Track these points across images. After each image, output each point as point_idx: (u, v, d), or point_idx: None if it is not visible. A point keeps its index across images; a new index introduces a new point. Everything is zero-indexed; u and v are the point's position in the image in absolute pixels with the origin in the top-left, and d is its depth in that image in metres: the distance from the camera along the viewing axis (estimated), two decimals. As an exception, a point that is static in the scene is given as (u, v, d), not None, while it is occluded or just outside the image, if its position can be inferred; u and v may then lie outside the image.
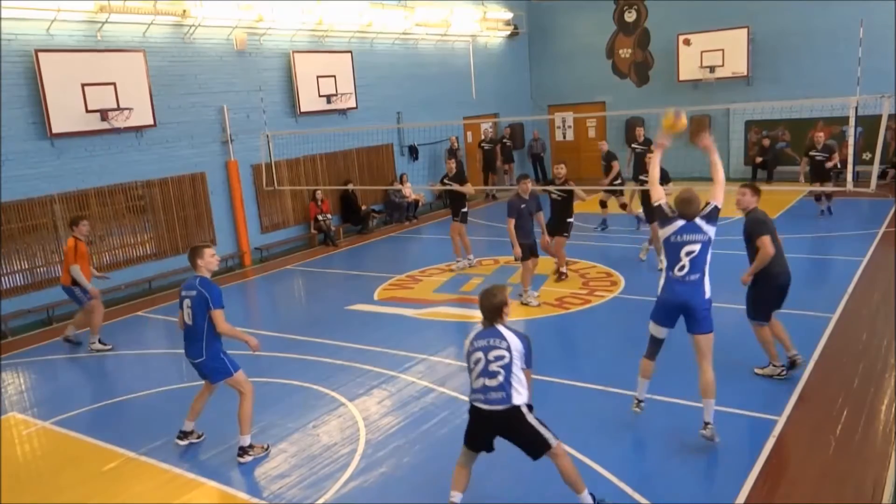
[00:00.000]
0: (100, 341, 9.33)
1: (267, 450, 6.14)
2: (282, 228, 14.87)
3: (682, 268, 5.65)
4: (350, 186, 15.90)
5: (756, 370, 6.99)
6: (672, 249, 5.70)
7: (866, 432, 5.75)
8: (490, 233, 14.81)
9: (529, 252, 9.71)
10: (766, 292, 6.83)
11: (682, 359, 7.57)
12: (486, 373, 4.61)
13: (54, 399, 7.87)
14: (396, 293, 10.85)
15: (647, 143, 14.96)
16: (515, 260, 10.00)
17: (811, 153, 14.06)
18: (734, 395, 6.58)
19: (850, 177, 9.80)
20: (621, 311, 9.37)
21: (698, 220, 5.61)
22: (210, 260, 5.97)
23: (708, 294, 5.67)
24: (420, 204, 17.22)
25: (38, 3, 10.56)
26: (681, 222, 5.64)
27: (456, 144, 18.34)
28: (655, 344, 6.03)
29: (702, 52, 19.18)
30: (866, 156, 16.21)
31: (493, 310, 4.71)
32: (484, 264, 12.19)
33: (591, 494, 4.81)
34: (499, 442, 4.73)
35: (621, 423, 6.32)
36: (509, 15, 21.16)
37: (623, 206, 14.08)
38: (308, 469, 5.83)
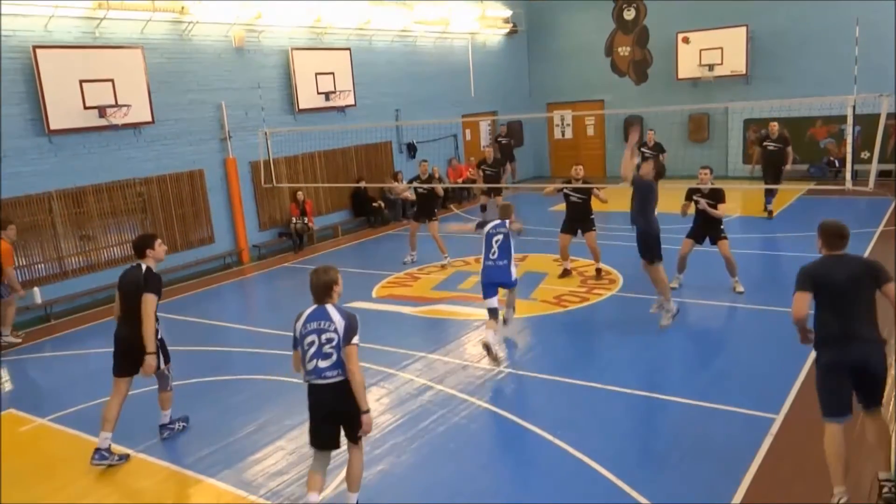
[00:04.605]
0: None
1: None
2: (280, 226, 14.84)
3: (496, 255, 8.10)
4: (363, 184, 16.01)
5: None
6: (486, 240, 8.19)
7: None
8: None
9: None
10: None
11: (682, 359, 7.60)
12: (320, 354, 4.75)
13: (52, 396, 7.86)
14: (395, 291, 10.84)
15: (659, 148, 15.44)
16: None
17: (764, 143, 14.19)
18: (732, 393, 6.60)
19: (848, 175, 9.81)
20: (619, 309, 9.37)
21: (509, 227, 8.18)
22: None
23: (514, 277, 8.25)
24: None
25: (36, 0, 10.53)
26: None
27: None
28: (493, 313, 8.03)
29: (700, 51, 19.18)
30: (864, 154, 16.21)
31: (323, 287, 4.84)
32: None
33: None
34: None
35: (620, 421, 6.33)
36: (508, 13, 21.14)
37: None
38: (306, 466, 5.79)
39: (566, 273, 10.92)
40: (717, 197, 9.37)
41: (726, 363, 7.50)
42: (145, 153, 12.31)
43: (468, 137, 20.40)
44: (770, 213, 14.22)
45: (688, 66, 19.52)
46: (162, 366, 6.37)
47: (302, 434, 6.38)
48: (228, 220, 13.80)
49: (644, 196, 8.24)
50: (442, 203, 18.26)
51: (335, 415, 4.83)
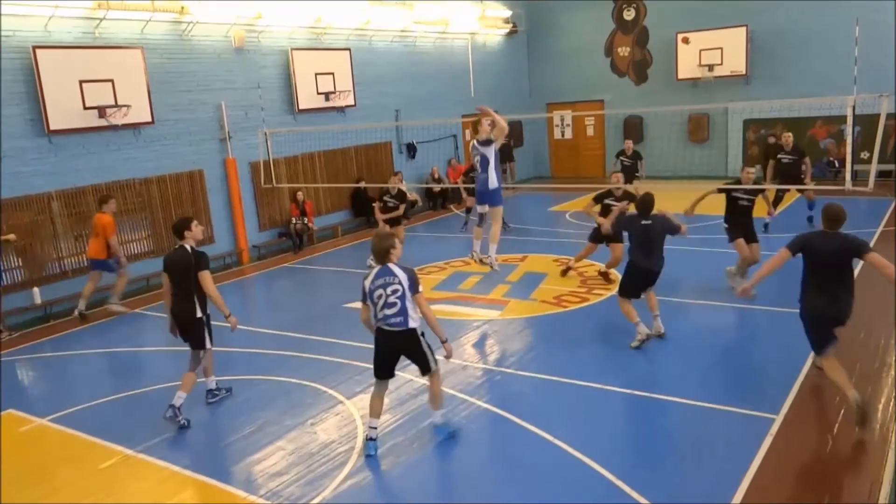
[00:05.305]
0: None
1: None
2: (280, 226, 14.84)
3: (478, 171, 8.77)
4: (363, 184, 16.03)
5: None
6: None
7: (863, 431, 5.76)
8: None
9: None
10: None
11: (682, 359, 7.59)
12: (387, 305, 5.73)
13: (52, 396, 7.86)
14: (394, 291, 10.83)
15: (636, 156, 15.28)
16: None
17: (779, 156, 13.28)
18: (732, 393, 6.60)
19: (848, 176, 9.81)
20: (619, 309, 9.35)
21: (477, 145, 8.72)
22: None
23: (493, 185, 8.70)
24: (417, 204, 16.95)
25: (36, 0, 10.53)
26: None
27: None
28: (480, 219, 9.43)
29: (700, 51, 19.19)
30: (864, 155, 16.22)
31: (383, 251, 5.80)
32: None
33: (443, 417, 6.12)
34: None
35: (620, 421, 6.33)
36: (508, 13, 21.14)
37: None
38: (305, 467, 5.83)
39: (566, 271, 10.91)
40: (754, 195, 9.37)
41: (726, 363, 7.49)
42: (145, 153, 12.31)
43: (468, 137, 20.35)
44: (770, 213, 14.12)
45: (688, 66, 19.52)
46: (209, 344, 6.86)
47: (302, 434, 6.41)
48: (228, 221, 13.80)
49: (657, 235, 7.94)
50: (441, 203, 18.35)
51: (397, 353, 5.92)
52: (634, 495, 5.03)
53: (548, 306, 9.64)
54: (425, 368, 5.97)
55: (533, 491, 5.24)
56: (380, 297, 5.74)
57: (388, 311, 5.73)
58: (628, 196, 9.92)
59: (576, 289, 10.30)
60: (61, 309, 11.03)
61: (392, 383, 7.32)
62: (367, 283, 5.80)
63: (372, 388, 6.12)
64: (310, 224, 14.87)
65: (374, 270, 5.83)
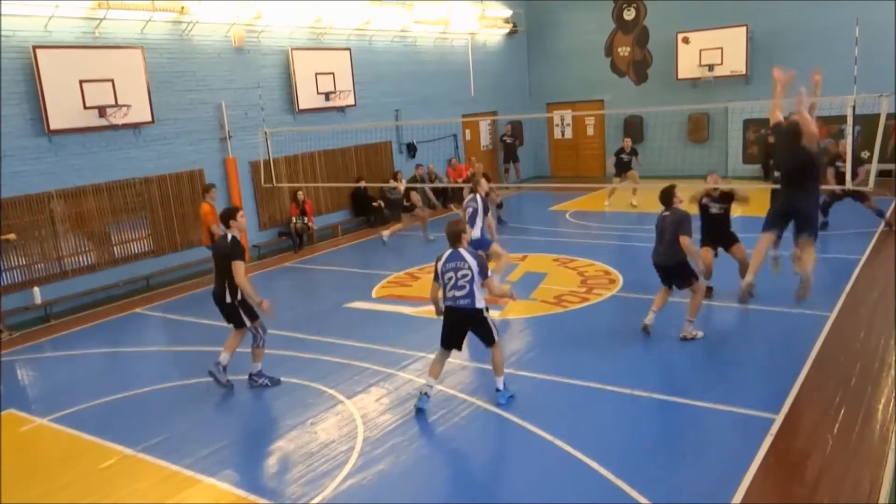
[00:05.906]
0: None
1: None
2: (280, 225, 14.84)
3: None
4: (363, 184, 16.08)
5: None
6: None
7: (863, 431, 5.76)
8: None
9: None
10: None
11: (682, 359, 7.60)
12: (456, 287, 6.33)
13: (52, 396, 7.86)
14: (395, 291, 10.83)
15: (633, 152, 16.41)
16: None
17: (836, 164, 12.41)
18: (732, 393, 6.60)
19: (848, 175, 9.81)
20: (619, 309, 9.36)
21: (479, 199, 9.77)
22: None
23: (475, 236, 9.30)
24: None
25: (36, 0, 10.53)
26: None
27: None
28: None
29: (700, 51, 19.19)
30: (864, 154, 16.20)
31: (455, 235, 6.39)
32: (482, 262, 12.17)
33: (504, 384, 6.68)
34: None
35: (620, 421, 6.32)
36: (508, 13, 21.14)
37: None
38: (306, 466, 5.83)
39: (711, 290, 9.24)
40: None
41: (726, 363, 7.49)
42: (145, 153, 12.31)
43: (468, 137, 20.39)
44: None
45: (688, 66, 19.53)
46: (248, 323, 7.33)
47: (302, 434, 6.41)
48: (228, 220, 13.79)
49: (668, 226, 7.90)
50: (443, 202, 18.36)
51: (463, 329, 6.49)
52: (634, 495, 5.04)
53: (548, 306, 9.64)
54: (490, 341, 6.50)
55: (533, 491, 5.24)
56: (450, 279, 6.31)
57: (458, 293, 6.30)
58: (727, 196, 9.23)
59: (576, 288, 10.30)
60: (61, 309, 11.03)
61: (392, 383, 7.39)
62: (440, 264, 6.39)
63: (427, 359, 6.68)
64: (310, 223, 14.87)
65: (447, 253, 6.40)
